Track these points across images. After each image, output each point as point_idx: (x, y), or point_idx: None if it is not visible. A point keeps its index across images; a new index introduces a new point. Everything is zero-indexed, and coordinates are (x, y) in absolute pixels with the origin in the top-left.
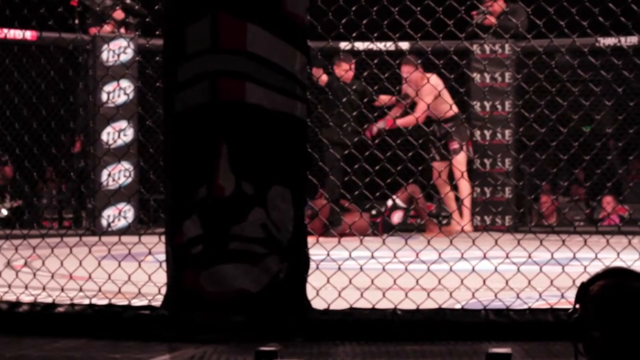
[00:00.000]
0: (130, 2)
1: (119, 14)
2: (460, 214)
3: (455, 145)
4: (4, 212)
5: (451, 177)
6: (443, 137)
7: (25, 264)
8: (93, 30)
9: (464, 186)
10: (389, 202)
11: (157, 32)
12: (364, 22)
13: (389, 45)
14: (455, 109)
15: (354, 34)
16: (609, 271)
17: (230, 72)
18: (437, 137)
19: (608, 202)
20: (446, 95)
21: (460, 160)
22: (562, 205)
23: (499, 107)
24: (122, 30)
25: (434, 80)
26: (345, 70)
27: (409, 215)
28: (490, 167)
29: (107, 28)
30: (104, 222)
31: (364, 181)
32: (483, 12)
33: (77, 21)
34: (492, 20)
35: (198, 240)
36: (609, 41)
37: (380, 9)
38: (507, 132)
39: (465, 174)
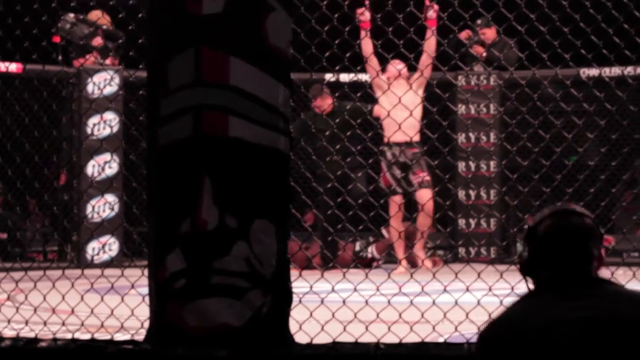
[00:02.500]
0: (107, 27)
1: (97, 41)
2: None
3: (426, 176)
4: None
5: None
6: (404, 166)
7: (8, 298)
8: (77, 63)
9: (426, 222)
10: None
11: (141, 66)
12: (347, 55)
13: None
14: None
15: (337, 67)
16: (553, 212)
17: (213, 106)
18: (397, 164)
19: None
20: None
21: (426, 196)
22: None
23: (484, 138)
24: (108, 61)
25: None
26: (329, 104)
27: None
28: (475, 198)
29: (90, 58)
30: (88, 255)
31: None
32: (475, 40)
33: (60, 57)
34: (480, 49)
35: (181, 274)
36: (594, 72)
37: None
38: (492, 164)
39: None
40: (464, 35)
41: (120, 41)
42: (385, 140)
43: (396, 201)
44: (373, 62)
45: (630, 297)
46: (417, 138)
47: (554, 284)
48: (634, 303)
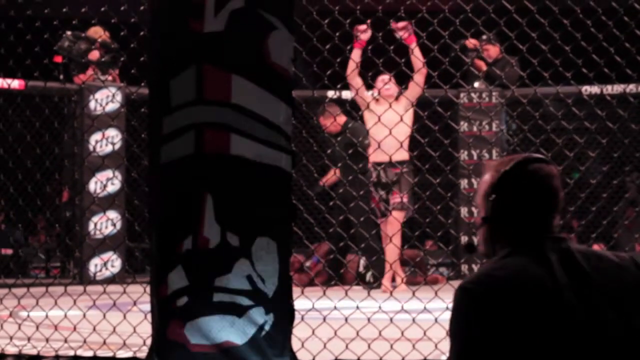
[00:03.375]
0: (102, 39)
1: (94, 55)
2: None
3: (400, 197)
4: None
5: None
6: (385, 187)
7: (11, 315)
8: (77, 80)
9: (393, 252)
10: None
11: (143, 84)
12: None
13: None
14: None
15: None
16: (523, 160)
17: (215, 124)
18: (380, 184)
19: (597, 249)
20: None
21: (395, 224)
22: None
23: (486, 155)
24: (109, 77)
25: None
26: (331, 123)
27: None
28: (478, 214)
29: (89, 73)
30: (91, 272)
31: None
32: (477, 54)
33: (62, 76)
34: (482, 64)
35: (183, 292)
36: (596, 90)
37: (365, 60)
38: None
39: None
40: (470, 43)
41: (115, 49)
42: (370, 160)
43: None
44: (356, 80)
45: (599, 257)
46: (400, 157)
47: (533, 240)
48: (606, 264)
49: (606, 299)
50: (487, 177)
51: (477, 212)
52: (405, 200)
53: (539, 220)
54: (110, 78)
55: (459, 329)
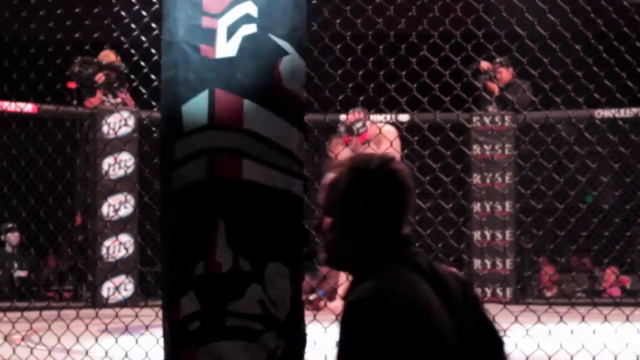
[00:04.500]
0: (108, 62)
1: (100, 77)
2: None
3: None
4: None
5: None
6: None
7: (23, 339)
8: (88, 103)
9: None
10: None
11: (155, 109)
12: (361, 98)
13: (389, 119)
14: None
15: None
16: (383, 158)
17: (227, 149)
18: None
19: (611, 272)
20: (398, 145)
21: None
22: (566, 276)
23: (499, 179)
24: (120, 100)
25: (388, 129)
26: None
27: None
28: (491, 239)
29: (98, 95)
30: (104, 295)
31: None
32: (490, 76)
33: (75, 101)
34: (494, 87)
35: (195, 316)
36: (608, 113)
37: (377, 85)
38: (507, 204)
39: None
40: (484, 65)
41: (121, 70)
42: None
43: None
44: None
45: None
46: None
47: (403, 248)
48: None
49: (462, 311)
50: (339, 177)
51: (320, 214)
52: None
53: (402, 225)
54: (119, 100)
55: (366, 348)
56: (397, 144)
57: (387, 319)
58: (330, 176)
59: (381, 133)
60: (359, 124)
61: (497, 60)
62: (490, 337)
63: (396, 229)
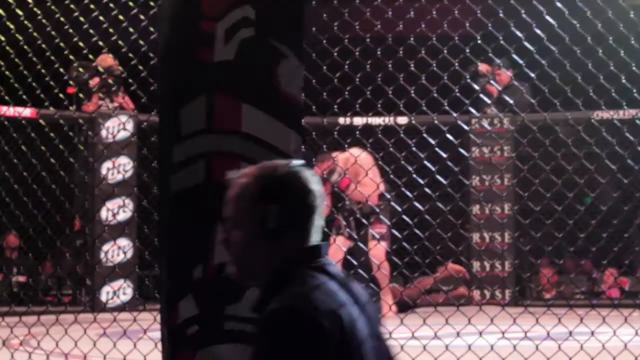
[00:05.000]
0: (102, 65)
1: (95, 81)
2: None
3: (381, 228)
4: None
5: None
6: (365, 216)
7: (21, 344)
8: (86, 108)
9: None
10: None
11: (153, 112)
12: (359, 101)
13: (387, 121)
14: (382, 187)
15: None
16: (291, 165)
17: (225, 153)
18: (354, 214)
19: (610, 274)
20: (375, 173)
21: (381, 250)
22: (565, 278)
23: (498, 181)
24: (118, 102)
25: (364, 158)
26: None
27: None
28: (490, 241)
29: (94, 99)
30: (103, 299)
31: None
32: (489, 78)
33: (74, 106)
34: (493, 89)
35: (194, 320)
36: (606, 115)
37: (375, 88)
38: (506, 206)
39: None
40: (483, 67)
41: (117, 74)
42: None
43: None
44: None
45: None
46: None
47: (316, 256)
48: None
49: (374, 323)
50: (245, 187)
51: (227, 228)
52: (383, 231)
53: (313, 231)
54: (116, 104)
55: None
56: (373, 172)
57: (320, 329)
58: (235, 187)
59: (356, 163)
60: (334, 176)
61: (496, 62)
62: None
63: (308, 235)
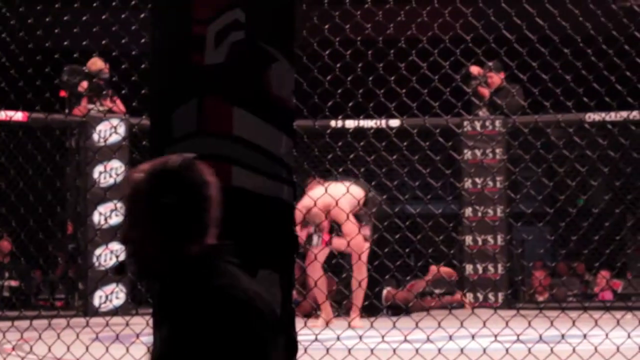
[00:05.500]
0: (90, 69)
1: (83, 85)
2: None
3: (364, 229)
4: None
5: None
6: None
7: (14, 348)
8: (77, 111)
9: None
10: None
11: (144, 116)
12: (350, 104)
13: (379, 124)
14: (360, 194)
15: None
16: (183, 157)
17: (216, 156)
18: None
19: (603, 276)
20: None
21: (360, 239)
22: (557, 281)
23: (490, 183)
24: (109, 103)
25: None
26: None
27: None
28: (482, 243)
29: (84, 103)
30: (95, 303)
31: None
32: (481, 81)
33: (66, 110)
34: (485, 91)
35: None
36: (598, 117)
37: (366, 91)
38: (499, 209)
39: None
40: (475, 70)
41: (104, 77)
42: None
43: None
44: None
45: None
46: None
47: (215, 246)
48: None
49: None
50: (139, 184)
51: (125, 227)
52: (366, 232)
53: (211, 221)
54: (105, 107)
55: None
56: (344, 201)
57: (266, 323)
58: (128, 185)
59: (327, 193)
60: (314, 241)
61: (489, 64)
62: None
63: (206, 226)
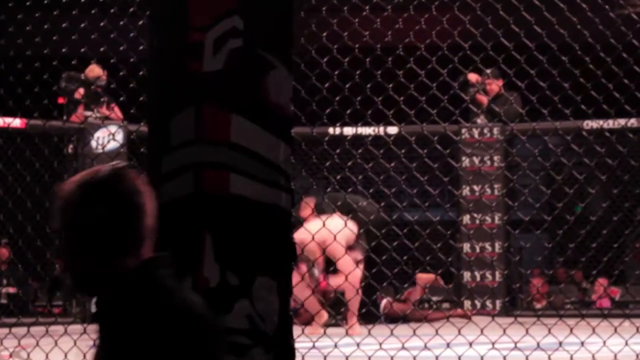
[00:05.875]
0: (87, 76)
1: (79, 92)
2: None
3: (357, 254)
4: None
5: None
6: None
7: (11, 355)
8: (74, 118)
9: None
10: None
11: (142, 123)
12: (348, 111)
13: (377, 131)
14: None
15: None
16: (113, 167)
17: (214, 164)
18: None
19: (600, 284)
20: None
21: (357, 275)
22: (555, 289)
23: (488, 191)
24: (105, 110)
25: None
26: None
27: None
28: (480, 250)
29: (80, 110)
30: (93, 310)
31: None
32: (479, 88)
33: (65, 117)
34: (483, 99)
35: None
36: (595, 124)
37: (364, 98)
38: (497, 216)
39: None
40: (473, 77)
41: (100, 85)
42: None
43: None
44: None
45: None
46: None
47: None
48: None
49: None
50: (70, 196)
51: (60, 241)
52: (359, 257)
53: (144, 230)
54: (101, 115)
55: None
56: (340, 237)
57: (216, 332)
58: (60, 197)
59: (324, 227)
60: (315, 273)
61: (488, 71)
62: None
63: (141, 237)
